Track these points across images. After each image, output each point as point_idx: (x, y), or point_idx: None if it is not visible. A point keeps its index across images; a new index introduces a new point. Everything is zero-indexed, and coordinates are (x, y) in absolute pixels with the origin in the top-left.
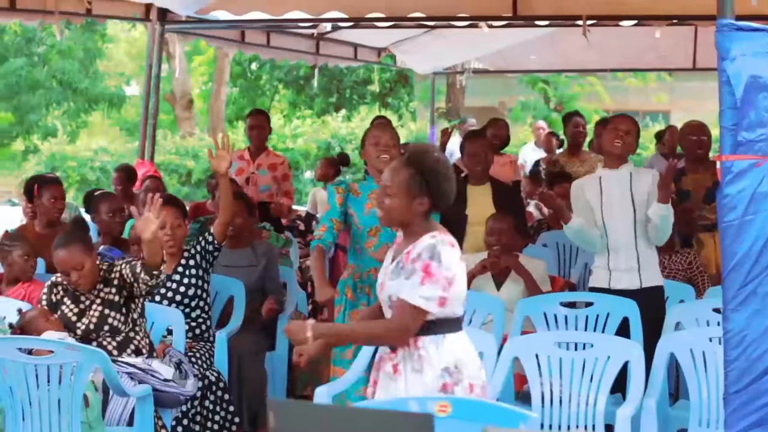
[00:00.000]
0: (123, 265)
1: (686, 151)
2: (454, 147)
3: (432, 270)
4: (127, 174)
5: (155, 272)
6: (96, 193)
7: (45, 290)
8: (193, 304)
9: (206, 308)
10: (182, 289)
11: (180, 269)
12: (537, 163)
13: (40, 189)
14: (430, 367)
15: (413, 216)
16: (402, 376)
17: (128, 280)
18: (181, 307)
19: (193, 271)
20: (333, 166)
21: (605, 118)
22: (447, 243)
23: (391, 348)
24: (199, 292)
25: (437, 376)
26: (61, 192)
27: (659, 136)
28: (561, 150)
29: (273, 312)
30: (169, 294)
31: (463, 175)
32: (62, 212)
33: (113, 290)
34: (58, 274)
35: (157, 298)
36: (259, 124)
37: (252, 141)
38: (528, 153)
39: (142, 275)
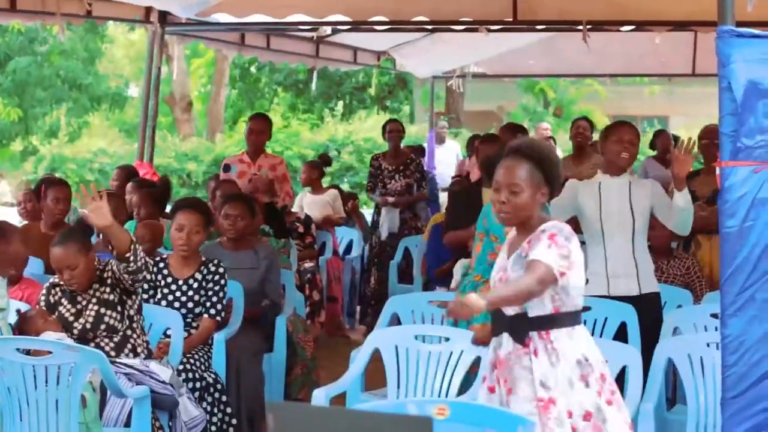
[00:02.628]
0: (113, 263)
1: (704, 153)
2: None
3: (558, 240)
4: (127, 174)
5: (128, 255)
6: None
7: (44, 291)
8: (196, 310)
9: (206, 312)
10: (196, 297)
11: (198, 277)
12: None
13: (47, 190)
14: (565, 359)
15: (535, 208)
16: (534, 368)
17: (117, 276)
18: (184, 311)
19: (210, 285)
20: (317, 168)
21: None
22: (568, 229)
23: (522, 343)
24: (207, 303)
25: (573, 367)
26: (66, 194)
27: (652, 142)
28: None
29: (249, 317)
30: (176, 304)
31: (475, 180)
32: (65, 214)
33: (107, 289)
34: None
35: (164, 302)
36: (259, 128)
37: (250, 145)
38: None
39: (120, 264)
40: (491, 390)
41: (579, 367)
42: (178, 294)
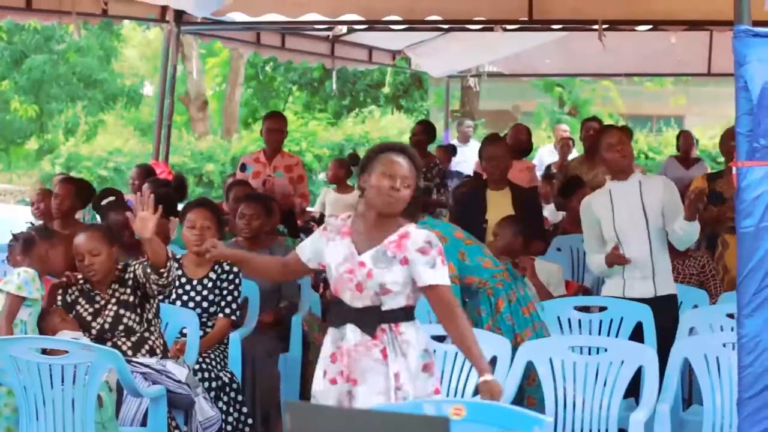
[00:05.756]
0: (137, 266)
1: (726, 155)
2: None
3: (444, 254)
4: (146, 172)
5: (162, 271)
6: (103, 203)
7: (60, 290)
8: (211, 310)
9: (221, 312)
10: (210, 297)
11: (213, 276)
12: (549, 167)
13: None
14: (413, 350)
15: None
16: (390, 360)
17: (141, 281)
18: (199, 311)
19: (225, 284)
20: (344, 166)
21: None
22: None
23: (371, 335)
24: (222, 302)
25: (418, 357)
26: (67, 191)
27: (677, 142)
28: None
29: (272, 320)
30: (191, 304)
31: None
32: (61, 210)
33: (128, 290)
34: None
35: (178, 303)
36: (277, 127)
37: (268, 144)
38: (546, 156)
39: (152, 275)
40: (332, 382)
41: (425, 356)
42: (192, 294)
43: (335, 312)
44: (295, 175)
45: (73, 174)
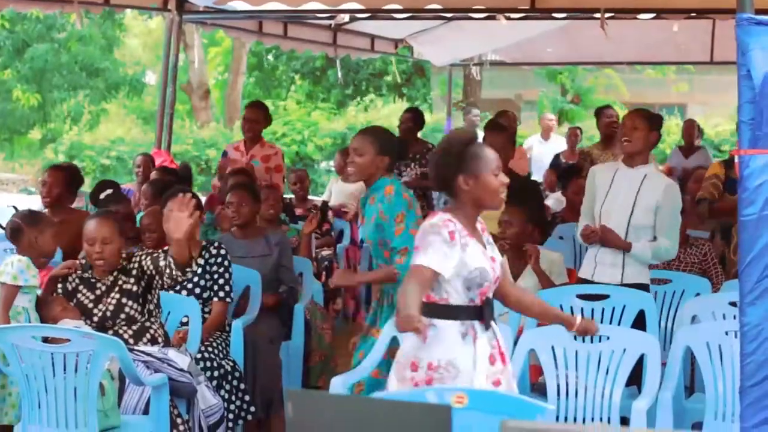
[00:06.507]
0: (143, 257)
1: None
2: None
3: None
4: (151, 160)
5: (188, 270)
6: (101, 196)
7: (60, 279)
8: (205, 295)
9: (215, 296)
10: (202, 282)
11: (201, 262)
12: (557, 157)
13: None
14: None
15: None
16: None
17: (148, 272)
18: (193, 297)
19: (215, 268)
20: (347, 156)
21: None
22: None
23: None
24: (214, 286)
25: None
26: (56, 177)
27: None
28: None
29: (272, 304)
30: (184, 292)
31: None
32: (51, 197)
33: (131, 280)
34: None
35: (171, 292)
36: (254, 117)
37: (245, 133)
38: (536, 145)
39: (173, 271)
40: (497, 384)
41: None
42: (184, 282)
43: (489, 313)
44: (272, 165)
45: (76, 163)
